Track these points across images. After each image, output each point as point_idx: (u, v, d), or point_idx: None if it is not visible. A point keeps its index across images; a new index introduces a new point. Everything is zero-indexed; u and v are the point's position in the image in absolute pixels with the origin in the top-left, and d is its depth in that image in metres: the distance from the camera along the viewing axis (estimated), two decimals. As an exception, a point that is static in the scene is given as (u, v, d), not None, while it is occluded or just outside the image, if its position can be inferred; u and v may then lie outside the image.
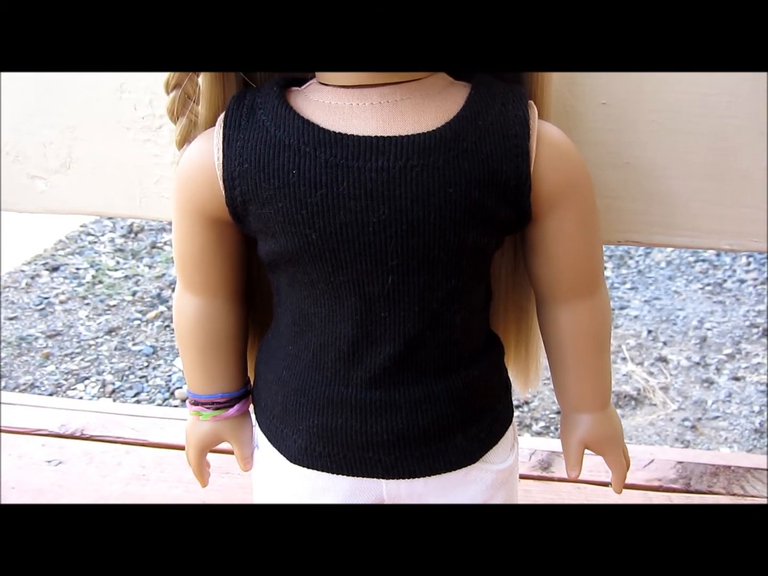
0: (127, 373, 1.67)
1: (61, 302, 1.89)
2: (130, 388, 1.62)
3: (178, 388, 1.61)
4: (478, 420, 0.46)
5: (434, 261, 0.41)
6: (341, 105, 0.41)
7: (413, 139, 0.39)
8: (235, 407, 0.49)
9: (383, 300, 0.42)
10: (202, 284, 0.48)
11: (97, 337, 1.80)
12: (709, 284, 1.94)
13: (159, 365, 1.71)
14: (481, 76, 0.43)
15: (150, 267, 2.06)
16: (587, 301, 0.47)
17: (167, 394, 1.60)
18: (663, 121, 0.52)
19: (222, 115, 0.43)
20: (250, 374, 0.52)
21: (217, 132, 0.43)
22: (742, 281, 1.96)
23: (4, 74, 0.59)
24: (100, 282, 1.98)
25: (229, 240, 0.47)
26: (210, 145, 0.43)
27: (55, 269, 2.05)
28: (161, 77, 0.56)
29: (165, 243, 2.18)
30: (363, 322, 0.42)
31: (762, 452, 1.38)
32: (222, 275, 0.48)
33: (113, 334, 1.80)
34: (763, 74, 0.50)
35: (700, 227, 0.56)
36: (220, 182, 0.42)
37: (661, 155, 0.53)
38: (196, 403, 0.50)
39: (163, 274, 2.02)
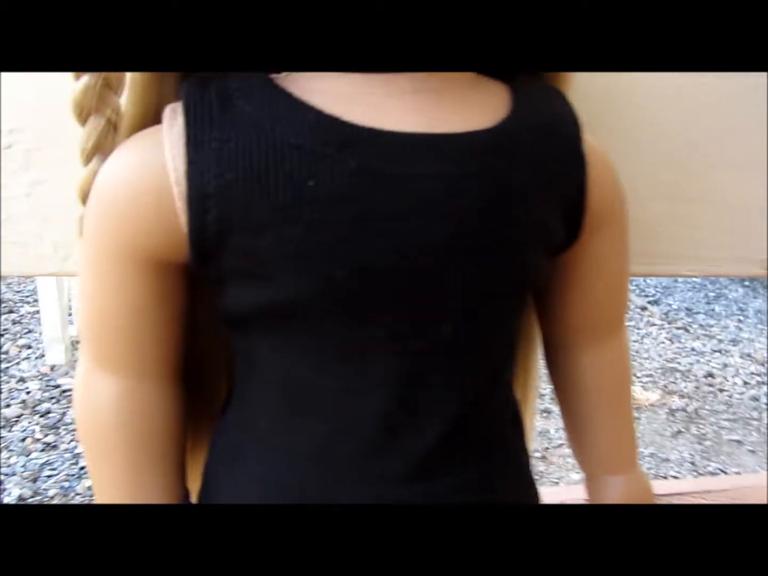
0: None
1: None
2: None
3: None
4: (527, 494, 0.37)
5: (498, 298, 0.32)
6: (363, 93, 0.29)
7: (470, 138, 0.30)
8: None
9: (434, 359, 0.31)
10: (128, 359, 0.32)
11: None
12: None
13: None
14: (514, 72, 0.34)
15: None
16: (614, 341, 0.40)
17: None
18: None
19: (174, 109, 0.30)
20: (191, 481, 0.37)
21: (168, 132, 0.29)
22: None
23: None
24: None
25: (173, 292, 0.32)
26: (157, 151, 0.29)
27: None
28: None
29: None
30: (401, 393, 0.30)
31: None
32: (156, 345, 0.33)
33: None
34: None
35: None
36: (181, 204, 0.29)
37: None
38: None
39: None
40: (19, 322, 1.80)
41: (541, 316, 0.40)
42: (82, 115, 0.32)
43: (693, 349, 2.01)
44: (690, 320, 2.23)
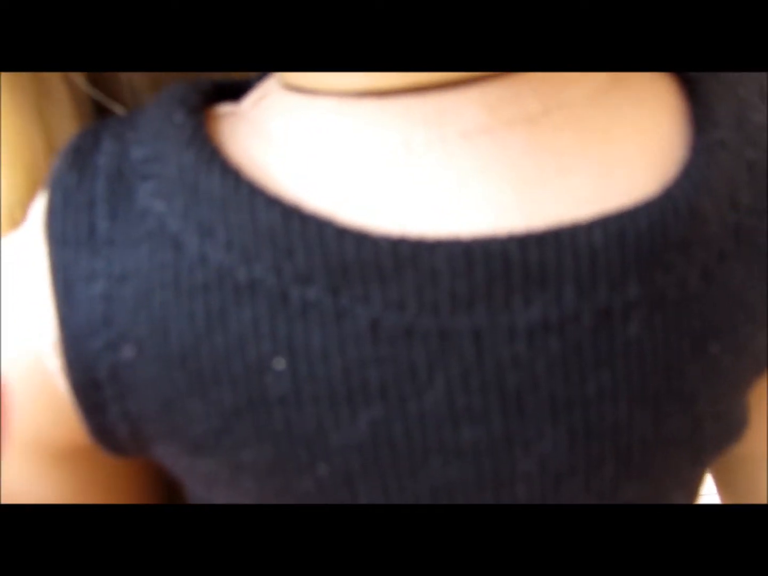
0: None
1: None
2: None
3: None
4: None
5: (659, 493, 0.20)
6: (381, 143, 0.16)
7: (614, 230, 0.15)
8: None
9: None
10: None
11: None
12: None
13: None
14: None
15: None
16: None
17: None
18: None
19: (38, 205, 0.18)
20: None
21: (28, 251, 0.18)
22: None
23: None
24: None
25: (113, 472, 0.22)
26: (23, 282, 0.18)
27: None
28: None
29: None
30: None
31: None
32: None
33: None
34: None
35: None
36: (64, 384, 0.18)
37: None
38: None
39: None
40: None
41: None
42: None
43: None
44: None
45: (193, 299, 0.16)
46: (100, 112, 0.23)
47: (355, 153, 0.16)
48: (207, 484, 0.18)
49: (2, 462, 0.21)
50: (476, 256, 0.15)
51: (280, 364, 0.15)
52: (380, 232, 0.15)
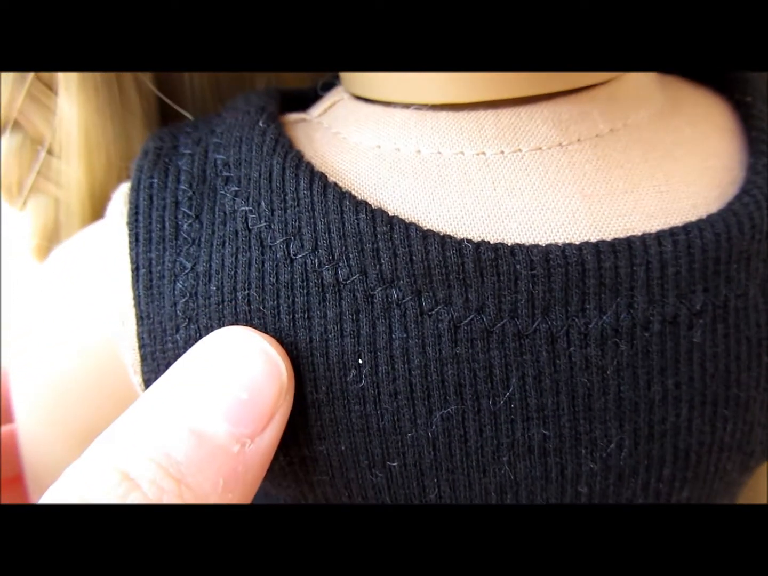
0: None
1: None
2: None
3: None
4: None
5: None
6: (455, 156, 0.17)
7: (680, 243, 0.16)
8: None
9: None
10: None
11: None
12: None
13: None
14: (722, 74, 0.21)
15: None
16: None
17: None
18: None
19: (119, 203, 0.19)
20: None
21: (108, 247, 0.18)
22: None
23: None
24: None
25: None
26: (98, 274, 0.19)
27: None
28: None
29: None
30: None
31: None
32: None
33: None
34: None
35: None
36: (139, 379, 0.18)
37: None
38: None
39: None
40: None
41: None
42: (15, 193, 0.22)
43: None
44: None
45: (278, 297, 0.16)
46: (165, 118, 0.23)
47: (430, 162, 0.17)
48: (276, 478, 0.18)
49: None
50: (554, 262, 0.16)
51: (361, 360, 0.16)
52: (461, 237, 0.16)
